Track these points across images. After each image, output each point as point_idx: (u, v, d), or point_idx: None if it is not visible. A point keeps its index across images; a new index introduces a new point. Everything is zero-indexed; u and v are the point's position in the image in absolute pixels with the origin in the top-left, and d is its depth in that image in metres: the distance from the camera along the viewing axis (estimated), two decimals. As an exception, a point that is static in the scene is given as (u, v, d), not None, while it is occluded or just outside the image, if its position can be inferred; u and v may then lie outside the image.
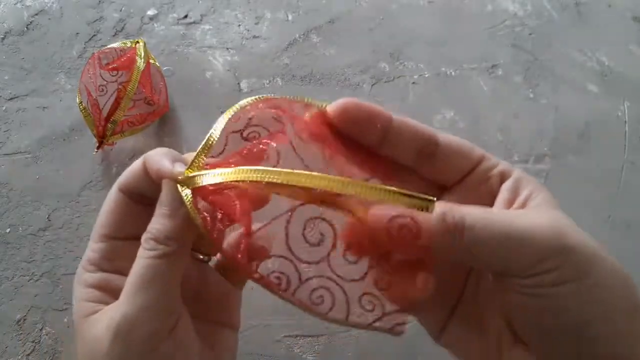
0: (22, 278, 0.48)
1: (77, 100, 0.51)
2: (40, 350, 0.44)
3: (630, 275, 0.21)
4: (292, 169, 0.20)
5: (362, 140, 0.23)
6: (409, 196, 0.19)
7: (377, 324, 0.20)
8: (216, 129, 0.22)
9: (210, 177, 0.21)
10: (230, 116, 0.22)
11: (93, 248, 0.24)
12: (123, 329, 0.21)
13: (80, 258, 0.25)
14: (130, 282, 0.22)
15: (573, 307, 0.20)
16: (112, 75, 0.51)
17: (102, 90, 0.51)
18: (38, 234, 0.50)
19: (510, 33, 0.61)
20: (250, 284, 0.25)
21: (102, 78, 0.51)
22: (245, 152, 0.22)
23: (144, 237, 0.22)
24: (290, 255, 0.21)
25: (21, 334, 0.45)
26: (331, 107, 0.22)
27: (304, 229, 0.21)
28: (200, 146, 0.22)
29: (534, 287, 0.20)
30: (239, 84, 0.58)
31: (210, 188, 0.21)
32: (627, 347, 0.20)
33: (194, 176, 0.22)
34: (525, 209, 0.22)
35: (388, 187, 0.19)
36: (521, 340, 0.23)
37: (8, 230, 0.50)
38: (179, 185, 0.22)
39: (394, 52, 0.59)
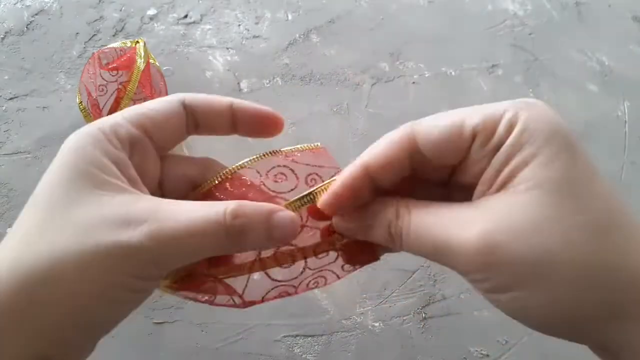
0: (22, 278, 0.48)
1: (77, 100, 0.51)
2: (40, 350, 0.44)
3: (617, 282, 0.19)
4: None
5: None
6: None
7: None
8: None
9: None
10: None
11: (122, 124, 0.22)
12: (159, 229, 0.17)
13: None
14: (203, 208, 0.20)
15: (529, 312, 0.20)
16: (112, 75, 0.51)
17: (102, 90, 0.51)
18: (38, 234, 0.50)
19: (510, 33, 0.61)
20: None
21: (102, 78, 0.51)
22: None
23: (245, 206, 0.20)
24: None
25: (21, 334, 0.45)
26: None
27: None
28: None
29: (478, 289, 0.21)
30: (239, 83, 0.58)
31: None
32: (607, 355, 0.20)
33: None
34: (487, 201, 0.21)
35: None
36: None
37: (8, 230, 0.50)
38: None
39: (394, 52, 0.59)
